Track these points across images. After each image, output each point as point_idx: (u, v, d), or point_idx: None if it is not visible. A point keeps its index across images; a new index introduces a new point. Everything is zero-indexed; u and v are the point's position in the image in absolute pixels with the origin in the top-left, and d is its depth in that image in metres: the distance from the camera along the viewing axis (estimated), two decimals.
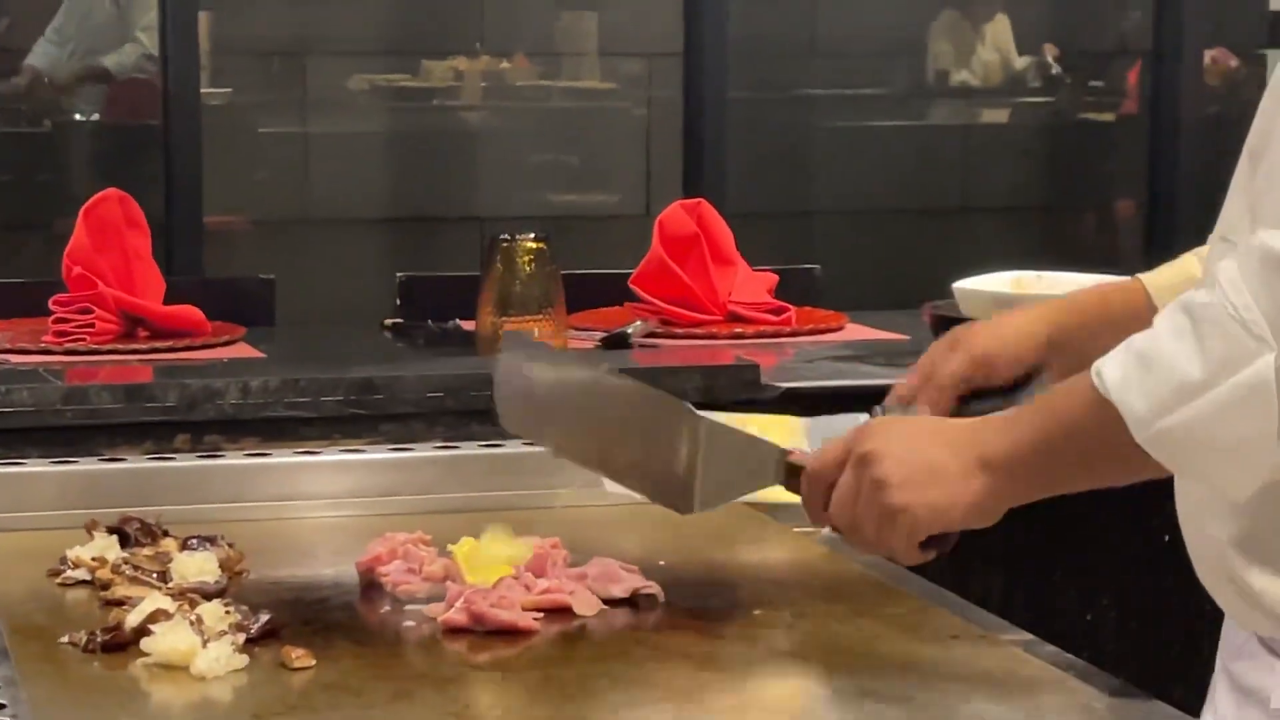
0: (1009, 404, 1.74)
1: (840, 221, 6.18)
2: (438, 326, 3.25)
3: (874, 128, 6.35)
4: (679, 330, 3.30)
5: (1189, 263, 1.82)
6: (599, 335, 3.21)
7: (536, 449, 2.31)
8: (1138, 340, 1.49)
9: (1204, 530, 1.59)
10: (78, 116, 5.98)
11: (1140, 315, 1.70)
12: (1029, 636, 1.80)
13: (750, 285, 3.41)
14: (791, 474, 1.67)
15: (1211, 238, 1.64)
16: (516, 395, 1.85)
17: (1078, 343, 1.79)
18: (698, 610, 1.85)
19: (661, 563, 1.97)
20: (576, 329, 3.24)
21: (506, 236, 3.05)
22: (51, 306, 3.09)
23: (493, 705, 1.59)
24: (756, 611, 1.83)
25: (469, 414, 2.51)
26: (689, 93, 5.21)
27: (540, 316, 3.03)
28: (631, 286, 3.38)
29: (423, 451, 2.29)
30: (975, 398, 1.80)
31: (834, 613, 1.83)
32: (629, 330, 3.20)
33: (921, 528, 1.56)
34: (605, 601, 1.85)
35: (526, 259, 3.03)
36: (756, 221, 5.17)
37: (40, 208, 5.55)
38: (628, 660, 1.70)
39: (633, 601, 1.86)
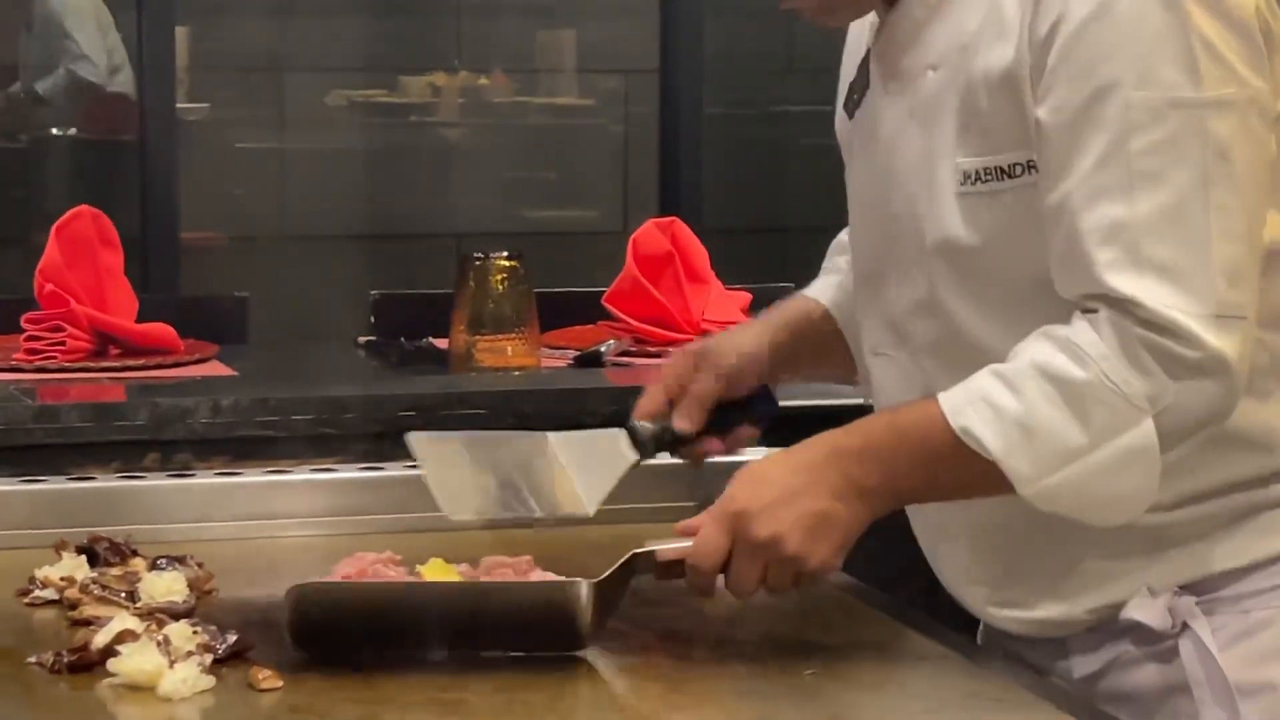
0: (749, 414, 1.98)
1: (817, 238, 6.17)
2: (410, 345, 3.26)
3: None
4: (652, 349, 3.30)
5: (844, 280, 2.05)
6: (572, 354, 3.22)
7: None
8: (1007, 406, 1.65)
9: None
10: (54, 131, 5.98)
11: (828, 330, 2.04)
12: (999, 658, 1.81)
13: (724, 304, 3.41)
14: (667, 568, 1.75)
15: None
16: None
17: (790, 357, 2.03)
18: (668, 633, 1.85)
19: (631, 583, 1.96)
20: (550, 347, 3.24)
21: (480, 255, 3.05)
22: (23, 324, 3.08)
23: None
24: (726, 633, 1.83)
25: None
26: (665, 109, 5.22)
27: (513, 335, 3.03)
28: (605, 305, 3.38)
29: (394, 471, 2.28)
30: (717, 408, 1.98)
31: (804, 634, 1.83)
32: (602, 349, 3.20)
33: (836, 565, 1.74)
34: None
35: (500, 277, 3.03)
36: (733, 237, 5.17)
37: (16, 223, 5.54)
38: (596, 682, 1.70)
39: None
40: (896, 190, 1.82)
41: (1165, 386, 1.64)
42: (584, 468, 1.96)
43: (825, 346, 2.06)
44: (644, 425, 1.97)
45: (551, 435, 1.99)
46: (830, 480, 1.70)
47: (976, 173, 1.73)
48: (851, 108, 1.91)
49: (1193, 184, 1.64)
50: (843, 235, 2.12)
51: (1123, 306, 1.64)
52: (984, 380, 1.68)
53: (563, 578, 1.79)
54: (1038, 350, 1.68)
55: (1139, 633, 1.78)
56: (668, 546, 1.74)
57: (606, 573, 1.73)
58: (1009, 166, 1.71)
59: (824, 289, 2.09)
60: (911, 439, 1.70)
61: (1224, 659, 1.75)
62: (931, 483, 1.72)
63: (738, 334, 2.04)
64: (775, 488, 1.70)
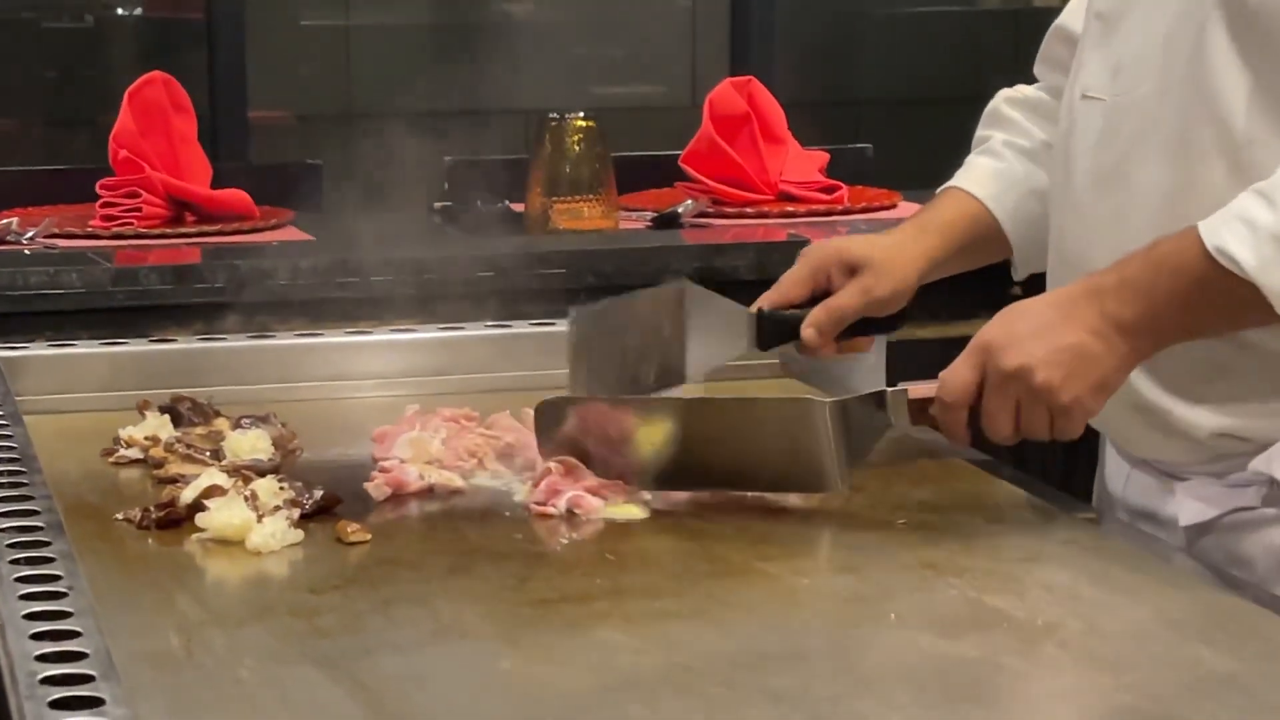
0: (873, 328, 1.94)
1: (888, 109, 6.12)
2: (486, 208, 3.24)
3: (923, 13, 6.28)
4: (730, 209, 3.27)
5: (1003, 167, 2.00)
6: (649, 215, 3.19)
7: None
8: (1263, 220, 1.57)
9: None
10: (120, 11, 5.95)
11: (985, 229, 1.97)
12: (1090, 510, 1.79)
13: (801, 164, 3.38)
14: (920, 409, 1.71)
15: (1068, 97, 1.82)
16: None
17: (940, 269, 1.98)
18: None
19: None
20: (627, 209, 3.22)
21: (555, 116, 3.02)
22: (99, 190, 3.07)
23: (549, 578, 1.58)
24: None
25: (519, 293, 2.49)
26: None
27: (590, 197, 3.01)
28: (682, 165, 3.35)
29: (473, 331, 2.27)
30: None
31: (892, 486, 1.82)
32: (679, 210, 3.18)
33: (1094, 408, 1.65)
34: None
35: (576, 138, 3.01)
36: (804, 109, 5.12)
37: (85, 103, 5.53)
38: (686, 532, 1.69)
39: None
40: None
41: None
42: (703, 336, 1.94)
43: (980, 248, 2.00)
44: (772, 317, 1.94)
45: (689, 288, 1.99)
46: (1085, 315, 1.63)
47: None
48: None
49: None
50: (1001, 106, 2.05)
51: None
52: (1242, 198, 1.60)
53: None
54: None
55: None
56: (921, 384, 1.71)
57: (848, 396, 1.72)
58: None
59: (982, 180, 2.01)
60: (1168, 268, 1.62)
61: None
62: (1191, 314, 1.63)
63: (898, 254, 1.95)
64: (1028, 321, 1.64)
